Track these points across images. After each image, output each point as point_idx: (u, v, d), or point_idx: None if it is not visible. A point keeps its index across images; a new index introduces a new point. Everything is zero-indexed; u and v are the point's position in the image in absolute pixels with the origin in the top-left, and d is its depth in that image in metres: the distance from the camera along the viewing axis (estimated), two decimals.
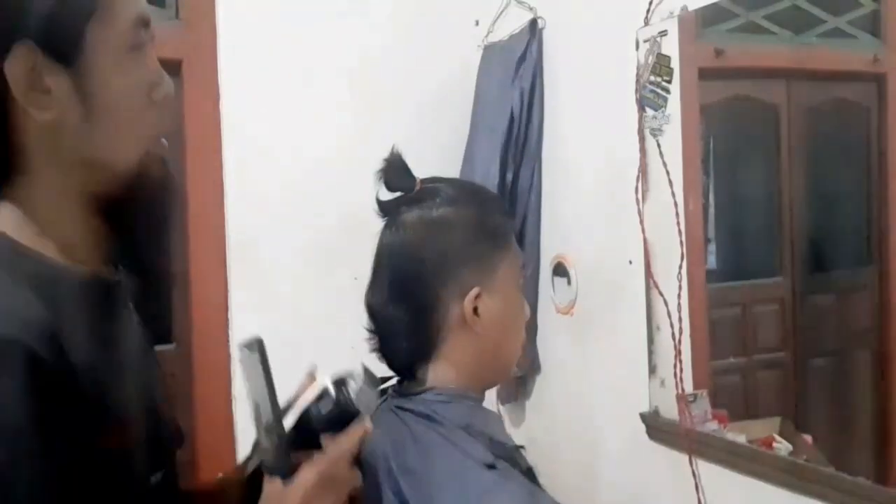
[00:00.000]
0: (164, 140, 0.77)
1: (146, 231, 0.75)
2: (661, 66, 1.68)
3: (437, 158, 2.19)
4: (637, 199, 1.76)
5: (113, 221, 0.73)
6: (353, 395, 0.77)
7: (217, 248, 2.22)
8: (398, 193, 0.92)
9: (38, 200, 0.70)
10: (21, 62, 0.65)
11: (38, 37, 0.66)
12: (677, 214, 1.66)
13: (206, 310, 2.23)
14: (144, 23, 0.74)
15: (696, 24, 1.64)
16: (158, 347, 2.30)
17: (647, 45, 1.72)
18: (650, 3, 1.71)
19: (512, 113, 2.14)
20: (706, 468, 1.63)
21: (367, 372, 0.80)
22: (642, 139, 1.75)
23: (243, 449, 2.47)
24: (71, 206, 0.71)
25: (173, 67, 2.20)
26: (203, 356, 2.24)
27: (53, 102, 0.67)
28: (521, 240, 2.15)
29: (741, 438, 1.56)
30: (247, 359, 0.76)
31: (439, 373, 0.89)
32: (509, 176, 2.14)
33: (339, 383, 0.78)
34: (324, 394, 0.78)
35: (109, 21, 0.70)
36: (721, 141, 1.81)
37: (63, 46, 0.67)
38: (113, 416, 0.68)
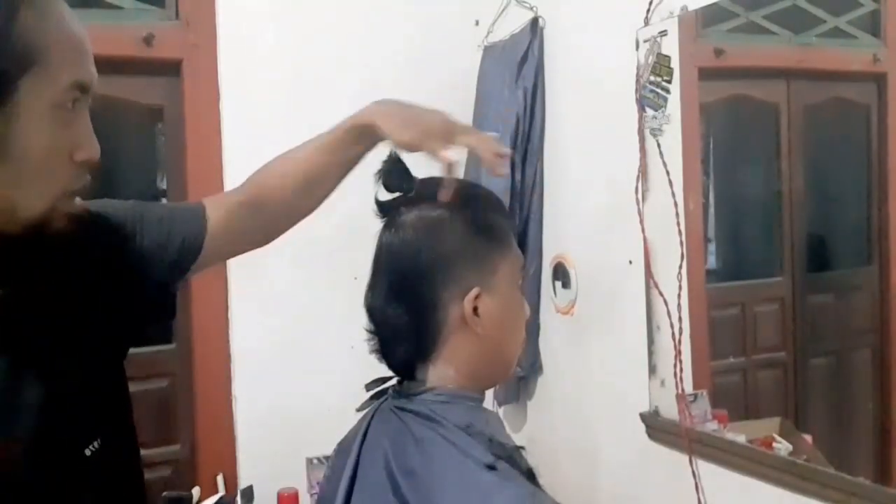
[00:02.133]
0: (77, 199, 0.81)
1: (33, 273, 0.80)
2: (661, 66, 1.68)
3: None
4: (637, 199, 1.76)
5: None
6: None
7: None
8: (397, 194, 0.92)
9: None
10: None
11: None
12: (677, 214, 1.66)
13: (206, 310, 2.24)
14: (82, 88, 0.77)
15: (696, 24, 1.65)
16: (159, 347, 2.32)
17: (647, 45, 1.72)
18: (650, 3, 1.71)
19: (517, 113, 2.14)
20: (706, 468, 1.63)
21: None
22: (642, 139, 1.75)
23: (243, 449, 2.48)
24: None
25: (173, 67, 2.20)
26: (203, 356, 2.24)
27: None
28: (523, 240, 2.15)
29: (741, 438, 1.56)
30: None
31: (439, 373, 0.89)
32: (517, 177, 2.15)
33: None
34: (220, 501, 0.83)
35: (45, 79, 0.73)
36: (721, 141, 1.81)
37: None
38: None
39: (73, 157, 0.77)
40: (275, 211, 1.06)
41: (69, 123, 0.76)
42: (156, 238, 0.94)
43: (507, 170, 0.88)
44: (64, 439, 0.79)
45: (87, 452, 0.81)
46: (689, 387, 1.66)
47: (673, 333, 1.68)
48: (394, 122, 0.92)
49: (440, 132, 0.90)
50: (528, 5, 2.17)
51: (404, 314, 0.87)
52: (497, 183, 2.12)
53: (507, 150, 0.90)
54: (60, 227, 0.78)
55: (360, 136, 0.99)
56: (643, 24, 1.73)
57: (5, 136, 0.72)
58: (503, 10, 2.30)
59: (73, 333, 0.83)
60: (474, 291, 0.86)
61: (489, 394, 1.86)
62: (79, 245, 0.84)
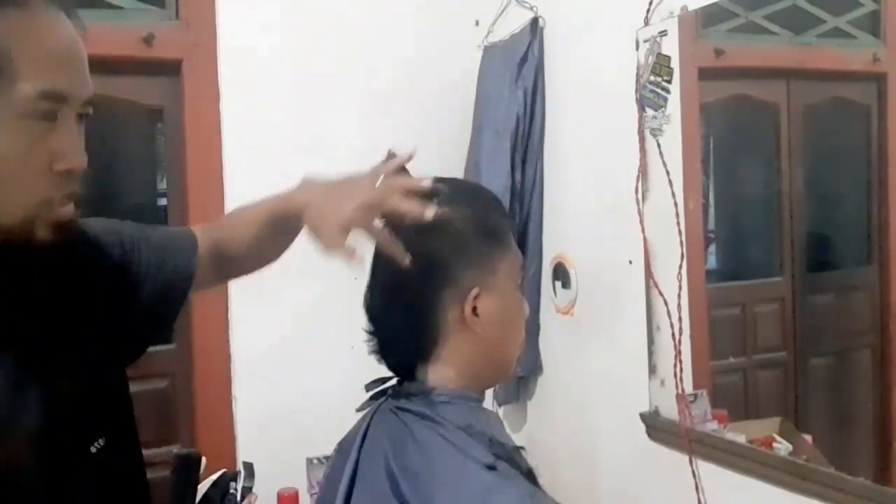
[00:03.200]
0: (65, 207, 0.79)
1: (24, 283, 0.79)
2: (661, 66, 1.68)
3: (437, 159, 2.19)
4: (637, 199, 1.76)
5: None
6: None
7: None
8: None
9: None
10: None
11: None
12: (677, 214, 1.66)
13: (206, 310, 2.23)
14: (56, 97, 0.75)
15: (696, 24, 1.65)
16: (159, 348, 2.32)
17: (647, 45, 1.72)
18: (650, 3, 1.71)
19: (517, 113, 2.14)
20: (706, 468, 1.63)
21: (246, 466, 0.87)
22: (642, 139, 1.75)
23: (243, 449, 2.48)
24: None
25: (173, 67, 2.20)
26: (203, 356, 2.24)
27: None
28: (523, 240, 2.15)
29: (741, 438, 1.56)
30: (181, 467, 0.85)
31: (439, 373, 0.89)
32: (517, 177, 2.15)
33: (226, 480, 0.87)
34: (219, 479, 0.86)
35: (8, 89, 0.72)
36: (721, 141, 1.81)
37: None
38: None
39: (53, 167, 0.76)
40: (238, 261, 1.12)
41: (45, 134, 0.75)
42: (150, 261, 0.97)
43: (432, 212, 0.86)
44: (68, 437, 0.80)
45: (93, 450, 0.82)
46: (689, 387, 1.66)
47: (673, 333, 1.68)
48: (318, 224, 0.90)
49: (364, 214, 0.87)
50: (528, 5, 2.17)
51: (403, 315, 0.87)
52: (497, 183, 2.12)
53: (427, 183, 0.87)
54: (47, 235, 0.77)
55: (293, 220, 0.98)
56: (643, 24, 1.73)
57: None
58: (503, 10, 2.30)
59: (73, 335, 0.84)
60: (474, 291, 0.86)
61: (489, 394, 1.86)
62: (76, 254, 0.85)
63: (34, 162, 0.75)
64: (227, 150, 2.22)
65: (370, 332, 0.91)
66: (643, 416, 1.79)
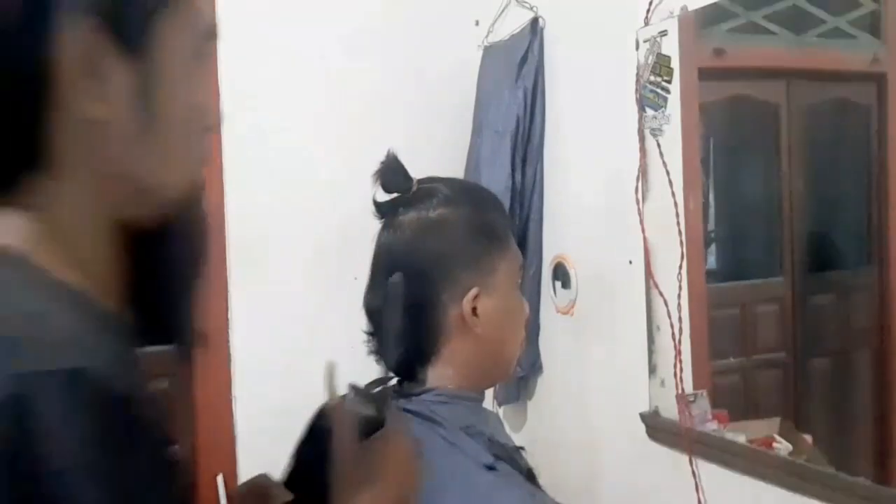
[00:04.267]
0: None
1: (174, 276, 0.67)
2: (661, 66, 1.68)
3: (437, 159, 2.19)
4: (637, 199, 1.76)
5: (138, 257, 0.61)
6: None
7: (217, 248, 2.22)
8: (395, 194, 0.92)
9: (63, 215, 0.55)
10: (81, 37, 0.51)
11: (102, 11, 0.52)
12: (677, 214, 1.65)
13: (206, 310, 2.23)
14: (213, 37, 0.62)
15: (696, 24, 1.64)
16: (158, 348, 2.31)
17: (647, 45, 1.72)
18: (650, 3, 1.71)
19: (517, 114, 2.14)
20: (706, 468, 1.63)
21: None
22: (642, 139, 1.75)
23: (243, 449, 2.47)
24: (98, 230, 0.57)
25: None
26: (203, 356, 2.24)
27: (110, 95, 0.53)
28: (523, 240, 2.15)
29: (741, 438, 1.56)
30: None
31: (439, 373, 0.89)
32: (518, 177, 2.15)
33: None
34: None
35: (181, 22, 0.57)
36: (721, 141, 1.81)
37: (130, 29, 0.53)
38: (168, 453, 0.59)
39: (205, 120, 0.62)
40: None
41: (203, 80, 0.61)
42: None
43: None
44: None
45: None
46: (689, 387, 1.66)
47: (673, 333, 1.67)
48: None
49: None
50: (528, 5, 2.17)
51: (403, 315, 0.87)
52: (497, 183, 2.12)
53: None
54: (202, 213, 0.64)
55: None
56: (643, 24, 1.73)
57: (149, 94, 0.55)
58: (503, 10, 2.30)
59: None
60: (473, 292, 0.86)
61: (489, 394, 1.86)
62: None
63: (199, 114, 0.61)
64: (227, 149, 2.22)
65: (370, 333, 0.91)
66: (643, 416, 1.79)
